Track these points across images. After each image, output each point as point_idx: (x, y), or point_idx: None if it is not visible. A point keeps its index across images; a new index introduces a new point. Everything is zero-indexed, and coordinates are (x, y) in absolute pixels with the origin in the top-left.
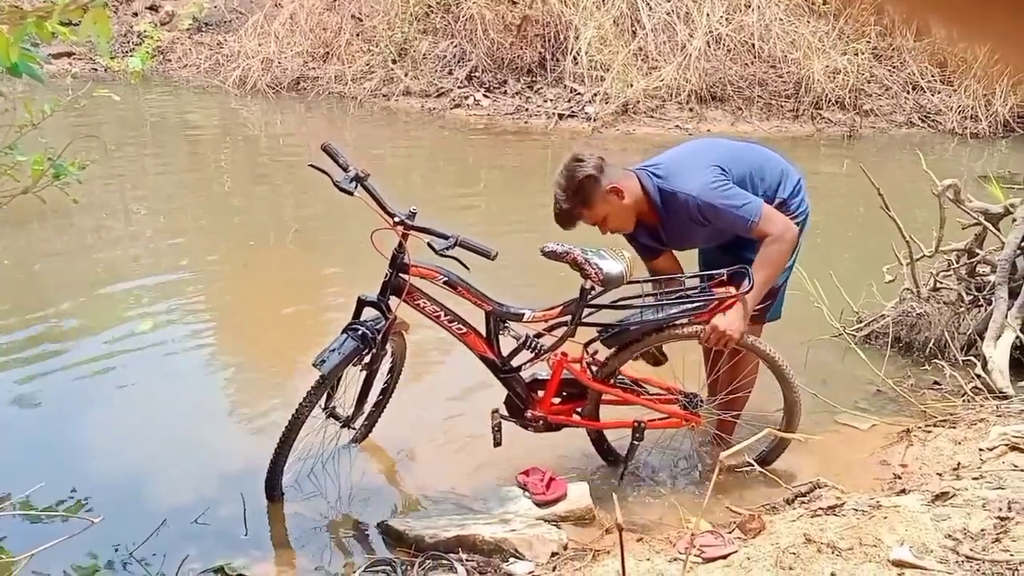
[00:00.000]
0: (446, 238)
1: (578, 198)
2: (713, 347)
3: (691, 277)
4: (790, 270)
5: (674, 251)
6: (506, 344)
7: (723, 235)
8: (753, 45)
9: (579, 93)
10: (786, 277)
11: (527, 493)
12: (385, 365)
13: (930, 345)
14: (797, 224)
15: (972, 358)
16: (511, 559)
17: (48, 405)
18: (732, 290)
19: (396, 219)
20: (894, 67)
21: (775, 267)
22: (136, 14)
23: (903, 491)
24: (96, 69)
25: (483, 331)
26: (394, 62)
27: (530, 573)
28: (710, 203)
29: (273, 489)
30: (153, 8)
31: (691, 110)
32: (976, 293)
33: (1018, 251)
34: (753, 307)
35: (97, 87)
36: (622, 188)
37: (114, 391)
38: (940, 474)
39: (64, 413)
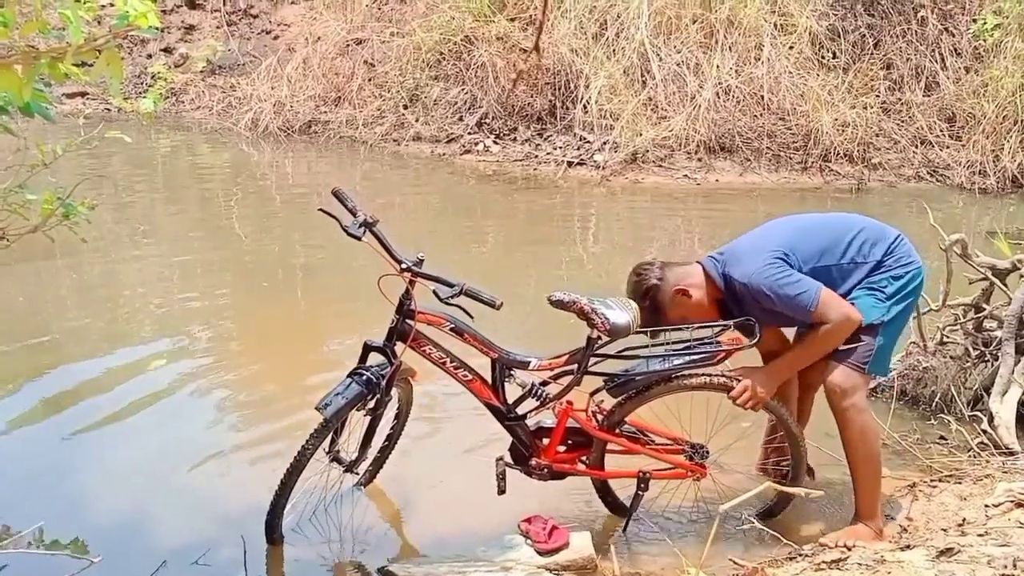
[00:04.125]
0: (452, 286)
1: (651, 309)
2: (744, 408)
3: (698, 328)
4: (899, 325)
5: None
6: (512, 392)
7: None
8: (762, 97)
9: (588, 141)
10: (896, 332)
11: (529, 541)
12: (391, 411)
13: (936, 399)
14: (904, 278)
15: (978, 413)
16: None
17: (50, 443)
18: (742, 340)
19: (403, 266)
20: (903, 121)
21: (819, 349)
22: (150, 56)
23: (908, 546)
24: (109, 109)
25: (489, 378)
26: (405, 107)
27: None
28: (762, 289)
29: (273, 531)
30: (167, 50)
31: (700, 160)
32: (983, 348)
33: None
34: (782, 378)
35: (109, 128)
36: (686, 288)
37: (117, 430)
38: (945, 530)
39: (66, 451)
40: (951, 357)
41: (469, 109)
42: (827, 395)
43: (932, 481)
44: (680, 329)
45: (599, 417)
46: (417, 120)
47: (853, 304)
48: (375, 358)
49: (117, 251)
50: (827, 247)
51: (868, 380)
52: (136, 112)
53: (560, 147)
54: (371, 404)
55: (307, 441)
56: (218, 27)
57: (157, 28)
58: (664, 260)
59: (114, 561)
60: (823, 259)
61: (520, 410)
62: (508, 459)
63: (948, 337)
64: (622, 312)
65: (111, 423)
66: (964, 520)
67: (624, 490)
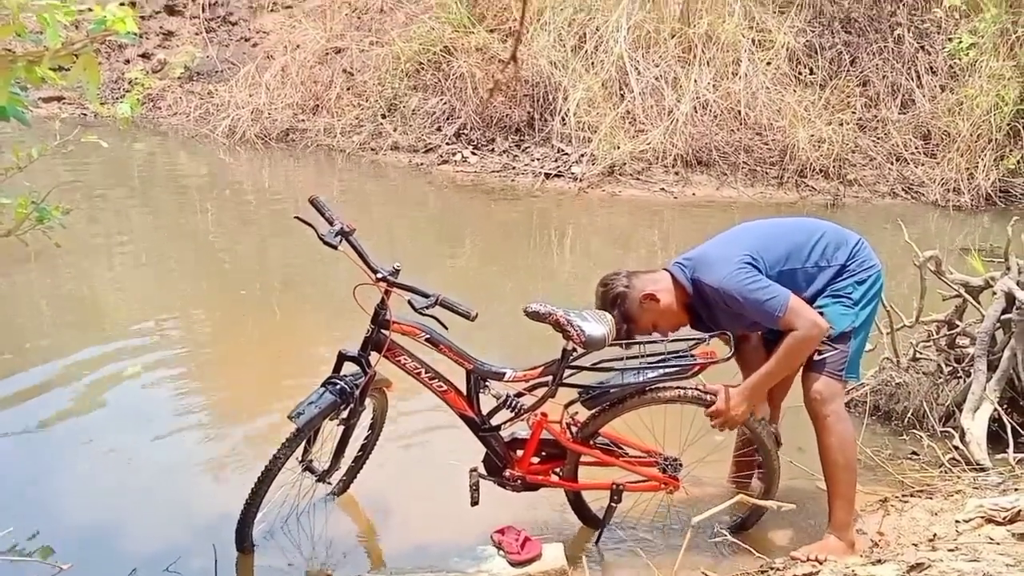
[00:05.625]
0: (427, 296)
1: (621, 317)
2: (720, 428)
3: (673, 341)
4: (867, 328)
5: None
6: (486, 403)
7: (763, 324)
8: (739, 112)
9: (566, 153)
10: (864, 335)
11: (501, 552)
12: (366, 421)
13: (908, 415)
14: (867, 282)
15: (950, 429)
16: None
17: (21, 450)
18: (717, 354)
19: (379, 275)
20: (878, 138)
21: (790, 361)
22: (128, 61)
23: (879, 561)
24: (85, 114)
25: (463, 389)
26: (383, 117)
27: None
28: (732, 294)
29: (243, 540)
30: (145, 56)
31: (677, 174)
32: (955, 364)
33: (997, 324)
34: (759, 393)
35: (85, 133)
36: (654, 293)
37: (89, 437)
38: (916, 545)
39: (37, 459)
40: (924, 373)
41: (447, 119)
42: (807, 404)
43: (904, 496)
44: (655, 342)
45: (573, 429)
46: (395, 130)
47: (822, 314)
48: (349, 368)
49: (92, 257)
50: (792, 251)
51: (845, 386)
52: (113, 117)
53: (538, 159)
54: (344, 414)
55: (279, 450)
56: (197, 33)
57: (135, 33)
58: (631, 270)
59: (84, 569)
60: (789, 263)
61: (494, 421)
62: (482, 470)
63: (921, 353)
64: (598, 324)
65: (82, 429)
66: (935, 535)
67: (597, 502)
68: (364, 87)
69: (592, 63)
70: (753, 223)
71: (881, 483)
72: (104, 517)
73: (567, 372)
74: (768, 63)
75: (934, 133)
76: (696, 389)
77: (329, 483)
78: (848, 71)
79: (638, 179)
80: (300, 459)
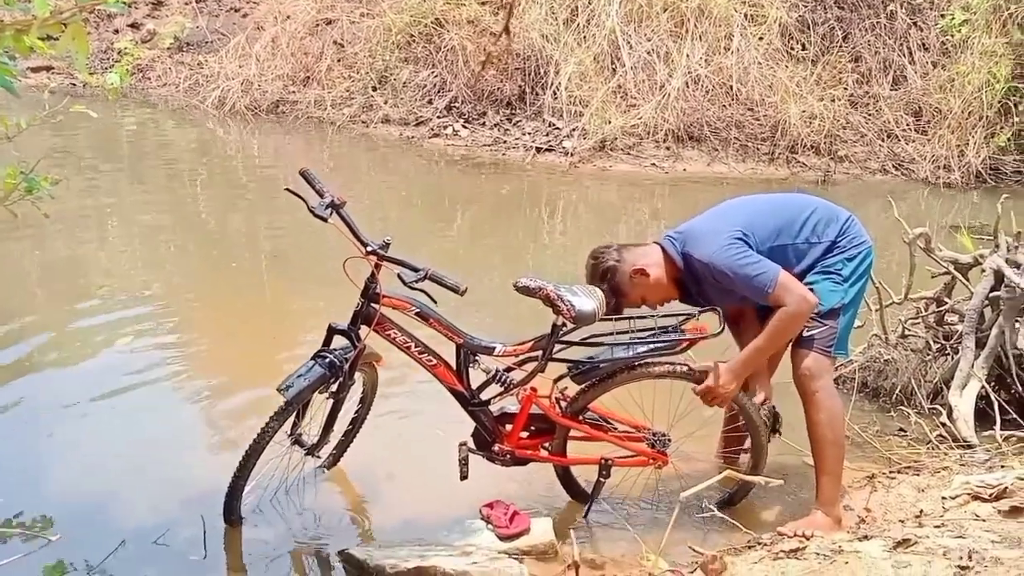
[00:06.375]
0: (417, 270)
1: (610, 291)
2: (708, 404)
3: (663, 317)
4: (857, 304)
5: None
6: (476, 377)
7: (752, 300)
8: (731, 87)
9: (557, 128)
10: (853, 311)
11: (490, 526)
12: (356, 395)
13: (896, 392)
14: (857, 259)
15: (938, 406)
16: None
17: (9, 423)
18: (706, 329)
19: (369, 248)
20: (870, 114)
21: (780, 336)
22: (117, 31)
23: (865, 537)
24: (75, 84)
25: (453, 363)
26: (374, 89)
27: None
28: (722, 270)
29: (231, 512)
30: (134, 26)
31: (668, 149)
32: (943, 342)
33: (985, 301)
34: (749, 370)
35: (74, 103)
36: (643, 267)
37: (78, 411)
38: (902, 521)
39: (24, 431)
40: (912, 350)
41: (438, 92)
42: (796, 380)
43: (891, 473)
44: (645, 317)
45: (562, 404)
46: (386, 102)
47: (812, 290)
48: (339, 341)
49: (81, 228)
50: (783, 227)
51: (834, 363)
52: (102, 87)
53: (529, 133)
54: (334, 387)
55: (267, 422)
56: (186, 3)
57: (124, 3)
58: (621, 243)
59: (72, 540)
60: (779, 238)
61: (484, 396)
62: (471, 444)
63: (910, 330)
64: (588, 299)
65: (71, 403)
66: (921, 512)
67: (586, 477)
68: (355, 59)
69: (584, 37)
70: (744, 198)
71: (868, 459)
72: (92, 489)
73: (557, 347)
74: (760, 38)
75: (925, 110)
76: (686, 365)
77: (318, 456)
78: (840, 47)
79: (629, 154)
80: (289, 432)
